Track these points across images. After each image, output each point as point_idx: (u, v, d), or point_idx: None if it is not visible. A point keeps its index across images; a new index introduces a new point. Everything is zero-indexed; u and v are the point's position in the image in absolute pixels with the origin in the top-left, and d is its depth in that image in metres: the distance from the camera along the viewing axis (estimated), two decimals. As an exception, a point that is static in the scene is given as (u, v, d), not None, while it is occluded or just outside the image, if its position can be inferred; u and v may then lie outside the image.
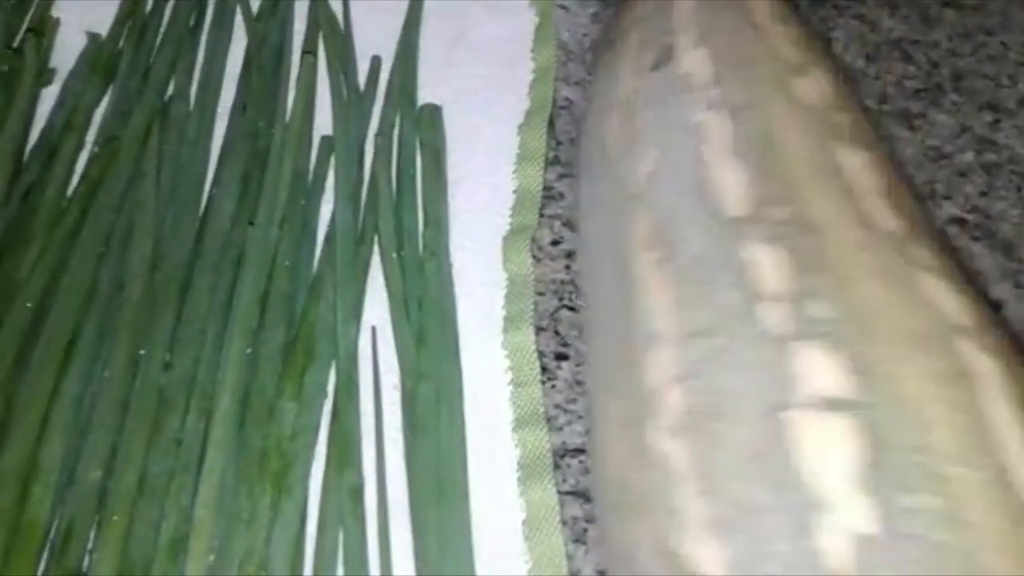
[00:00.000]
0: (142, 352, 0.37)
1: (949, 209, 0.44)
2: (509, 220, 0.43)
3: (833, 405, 0.27)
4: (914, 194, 0.34)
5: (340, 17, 0.49)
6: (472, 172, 0.44)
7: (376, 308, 0.40)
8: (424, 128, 0.45)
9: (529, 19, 0.50)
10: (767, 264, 0.30)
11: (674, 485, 0.28)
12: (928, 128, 0.47)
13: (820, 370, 0.27)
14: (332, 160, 0.44)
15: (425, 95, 0.47)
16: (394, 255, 0.40)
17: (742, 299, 0.30)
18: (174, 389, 0.36)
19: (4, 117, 0.42)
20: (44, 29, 0.47)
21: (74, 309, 0.37)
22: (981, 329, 0.29)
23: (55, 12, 0.49)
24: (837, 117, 0.36)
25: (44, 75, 0.45)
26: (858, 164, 0.34)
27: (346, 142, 0.43)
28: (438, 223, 0.41)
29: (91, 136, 0.44)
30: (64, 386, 0.36)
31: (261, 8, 0.49)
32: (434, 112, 0.45)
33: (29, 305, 0.37)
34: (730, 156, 0.34)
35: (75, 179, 0.42)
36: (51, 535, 0.33)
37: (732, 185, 0.33)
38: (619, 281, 0.35)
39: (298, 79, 0.46)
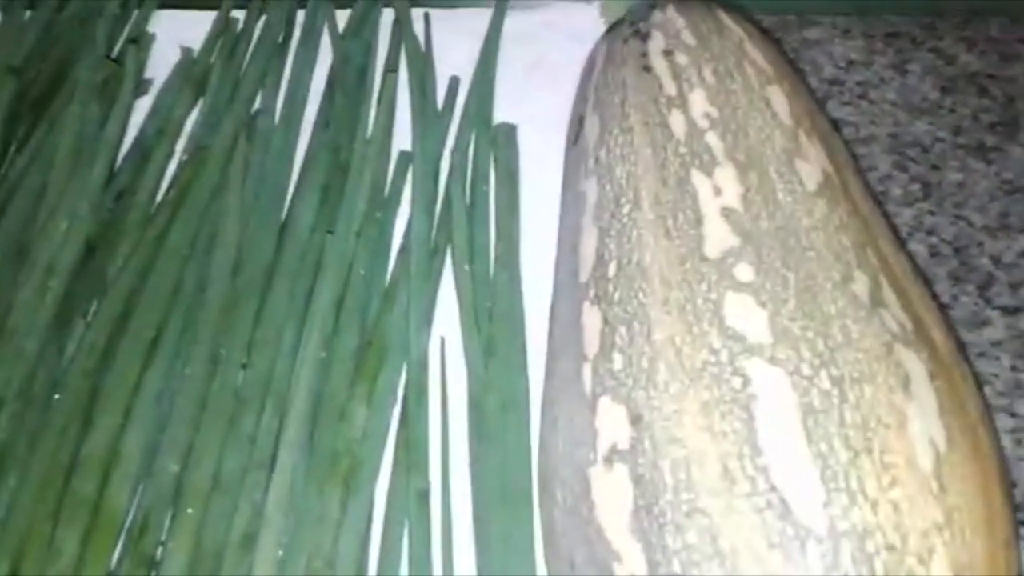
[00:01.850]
0: (222, 351, 0.38)
1: (1023, 243, 0.44)
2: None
3: (617, 456, 0.28)
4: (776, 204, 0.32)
5: (421, 38, 0.50)
6: (544, 192, 0.45)
7: (445, 319, 0.41)
8: (499, 147, 0.46)
9: (605, 45, 0.50)
10: (590, 325, 0.31)
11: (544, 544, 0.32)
12: (1003, 162, 0.47)
13: (608, 423, 0.28)
14: (408, 175, 0.45)
15: (500, 116, 0.48)
16: (466, 267, 0.41)
17: (575, 362, 0.31)
18: (250, 389, 0.37)
19: (103, 123, 0.44)
20: (142, 42, 0.49)
21: (159, 307, 0.39)
22: (787, 340, 0.28)
23: (150, 27, 0.51)
24: (708, 139, 0.34)
25: (140, 85, 0.47)
26: (710, 186, 0.32)
27: (424, 158, 0.44)
28: (510, 238, 0.42)
29: (180, 144, 0.45)
30: (146, 380, 0.37)
31: (347, 28, 0.50)
32: (509, 132, 0.46)
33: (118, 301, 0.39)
34: (592, 222, 0.34)
35: (164, 185, 0.44)
36: (128, 523, 0.35)
37: (586, 251, 0.34)
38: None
39: (379, 96, 0.47)
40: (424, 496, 0.35)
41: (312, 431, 0.36)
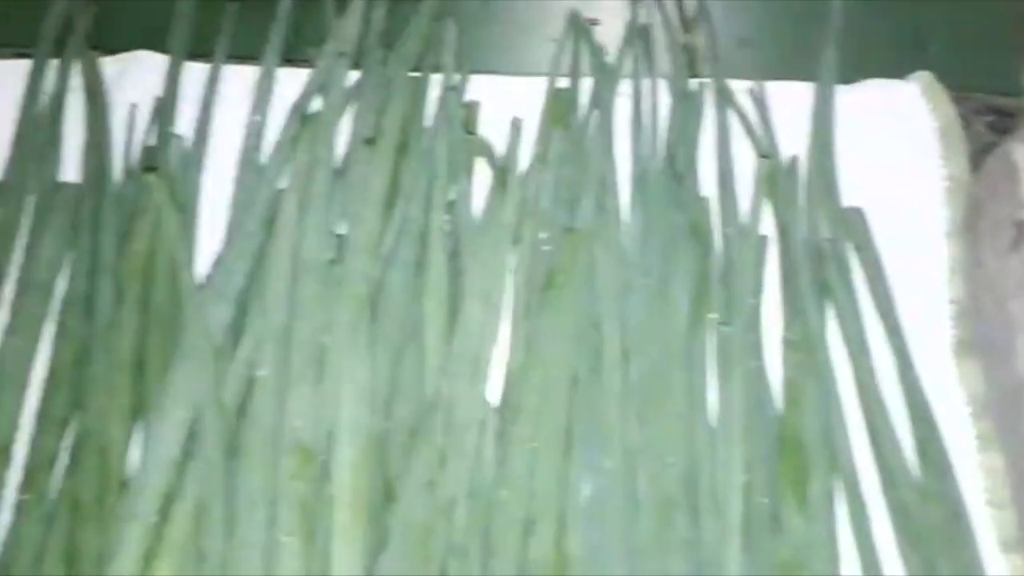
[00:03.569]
0: (635, 445, 0.37)
1: None
2: (953, 332, 0.43)
3: None
4: None
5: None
6: (902, 278, 0.44)
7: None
8: (854, 231, 0.45)
9: (931, 126, 0.50)
10: None
11: None
12: None
13: None
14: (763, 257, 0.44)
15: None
16: (864, 362, 0.40)
17: None
18: (675, 487, 0.36)
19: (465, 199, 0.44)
20: (471, 110, 0.48)
21: (563, 398, 0.38)
22: None
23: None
24: None
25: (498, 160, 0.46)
26: None
27: (791, 244, 0.44)
28: (897, 332, 0.41)
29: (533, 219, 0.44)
30: (571, 479, 0.37)
31: (674, 101, 0.49)
32: (859, 215, 0.46)
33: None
34: None
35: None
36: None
37: None
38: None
39: (721, 175, 0.46)
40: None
41: (753, 538, 0.35)
